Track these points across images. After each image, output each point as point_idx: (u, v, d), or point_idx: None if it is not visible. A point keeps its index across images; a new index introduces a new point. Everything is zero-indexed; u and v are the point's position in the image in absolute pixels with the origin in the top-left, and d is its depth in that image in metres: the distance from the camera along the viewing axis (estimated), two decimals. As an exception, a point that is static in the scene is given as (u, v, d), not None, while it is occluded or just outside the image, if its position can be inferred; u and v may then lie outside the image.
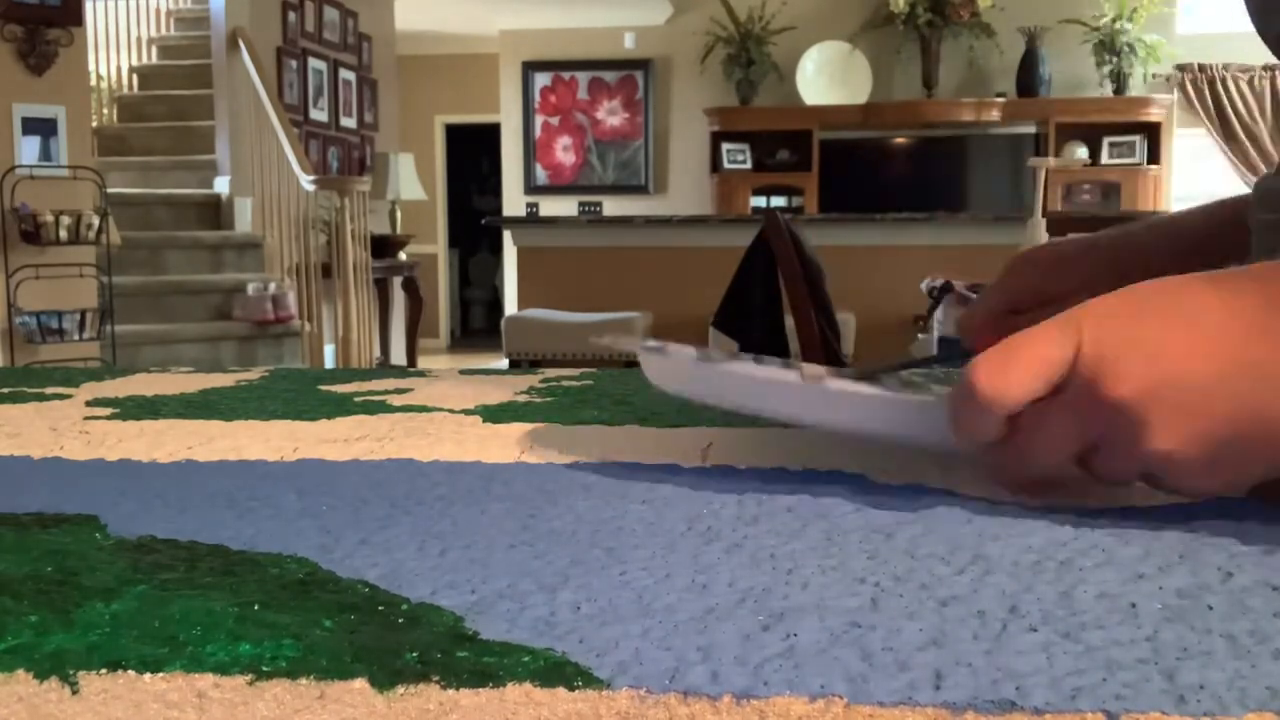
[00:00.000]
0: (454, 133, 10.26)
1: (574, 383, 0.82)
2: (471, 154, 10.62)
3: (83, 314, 4.54)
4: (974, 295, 2.71)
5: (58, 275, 4.48)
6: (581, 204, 8.45)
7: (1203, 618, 0.31)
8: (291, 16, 6.38)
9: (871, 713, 0.25)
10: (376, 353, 5.94)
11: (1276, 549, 0.37)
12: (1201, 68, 7.24)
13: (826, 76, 7.71)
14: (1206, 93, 7.27)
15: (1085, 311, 0.41)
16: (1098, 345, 0.40)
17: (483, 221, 6.44)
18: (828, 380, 0.50)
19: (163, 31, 7.23)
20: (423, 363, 7.61)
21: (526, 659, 0.28)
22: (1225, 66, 7.18)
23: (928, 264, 4.61)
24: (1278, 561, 0.36)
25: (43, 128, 4.52)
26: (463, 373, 0.89)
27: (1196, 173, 7.54)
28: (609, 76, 8.42)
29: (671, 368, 0.56)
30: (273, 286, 5.36)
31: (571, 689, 0.26)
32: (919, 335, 3.23)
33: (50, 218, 4.40)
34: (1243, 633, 0.29)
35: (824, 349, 2.96)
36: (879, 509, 0.43)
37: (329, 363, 5.59)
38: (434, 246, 9.84)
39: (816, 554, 0.37)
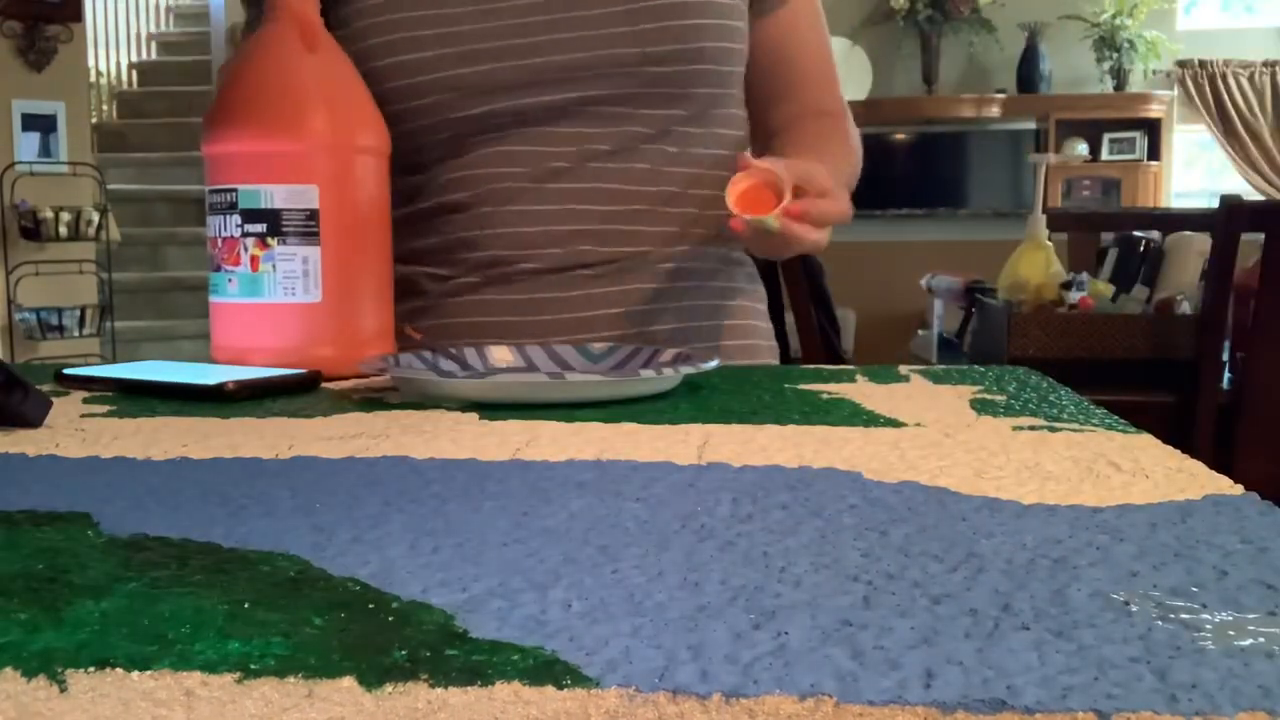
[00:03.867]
0: (454, 129, 10.23)
1: (571, 379, 0.82)
2: (472, 150, 10.60)
3: (82, 310, 4.54)
4: (983, 294, 2.71)
5: (57, 272, 4.48)
6: (582, 200, 8.43)
7: (1196, 616, 0.31)
8: (291, 12, 6.37)
9: (861, 712, 0.25)
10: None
11: (1270, 547, 0.37)
12: (1202, 64, 7.23)
13: (827, 73, 7.68)
14: (1207, 89, 7.25)
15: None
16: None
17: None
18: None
19: (162, 28, 7.23)
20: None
21: (516, 657, 0.28)
22: (1226, 63, 7.17)
23: (928, 260, 4.61)
24: (1272, 559, 0.36)
25: (42, 124, 4.51)
26: (460, 369, 0.89)
27: (1196, 169, 7.54)
28: (609, 73, 8.41)
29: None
30: (273, 283, 5.35)
31: (560, 688, 0.26)
32: (919, 331, 3.22)
33: (50, 214, 4.40)
34: (1236, 632, 0.29)
35: (824, 345, 2.96)
36: (874, 506, 0.43)
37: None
38: (434, 243, 9.83)
39: (810, 552, 0.37)
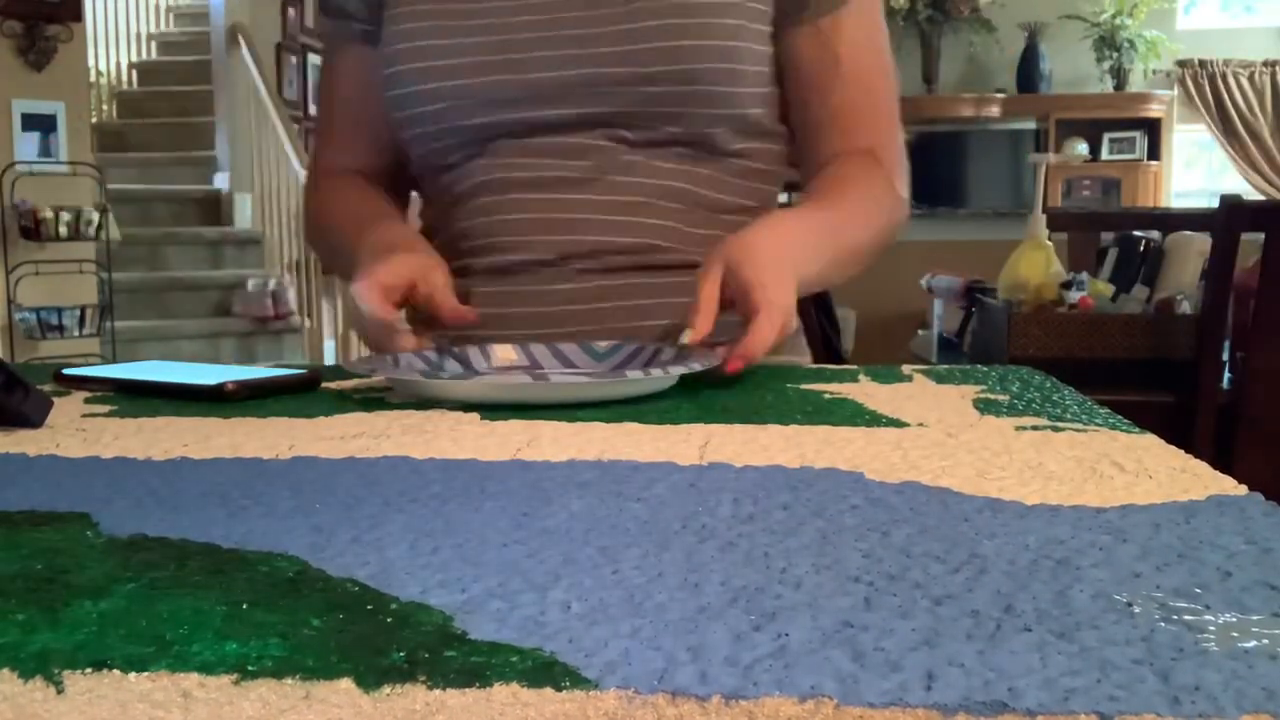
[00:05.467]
0: (454, 129, 10.22)
1: (571, 379, 0.82)
2: (472, 150, 10.59)
3: (83, 310, 4.54)
4: (983, 294, 2.71)
5: (58, 271, 4.48)
6: (582, 200, 8.42)
7: (1199, 618, 0.30)
8: (291, 12, 6.37)
9: (861, 714, 0.25)
10: (376, 349, 5.93)
11: (1275, 548, 0.37)
12: (1202, 63, 7.23)
13: (827, 72, 7.68)
14: (1207, 88, 7.25)
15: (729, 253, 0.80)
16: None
17: (483, 218, 6.42)
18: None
19: (162, 27, 7.22)
20: (423, 359, 7.57)
21: (514, 659, 0.27)
22: (1225, 62, 7.16)
23: (928, 260, 4.60)
24: (1276, 561, 0.36)
25: (42, 124, 4.51)
26: (460, 369, 0.89)
27: (1196, 169, 7.54)
28: (609, 72, 8.40)
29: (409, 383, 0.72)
30: (272, 282, 5.35)
31: (559, 689, 0.26)
32: (919, 331, 3.22)
33: (50, 214, 4.40)
34: (1240, 633, 0.29)
35: (824, 346, 2.96)
36: (876, 507, 0.43)
37: (329, 359, 5.59)
38: (434, 243, 9.82)
39: (811, 553, 0.37)
